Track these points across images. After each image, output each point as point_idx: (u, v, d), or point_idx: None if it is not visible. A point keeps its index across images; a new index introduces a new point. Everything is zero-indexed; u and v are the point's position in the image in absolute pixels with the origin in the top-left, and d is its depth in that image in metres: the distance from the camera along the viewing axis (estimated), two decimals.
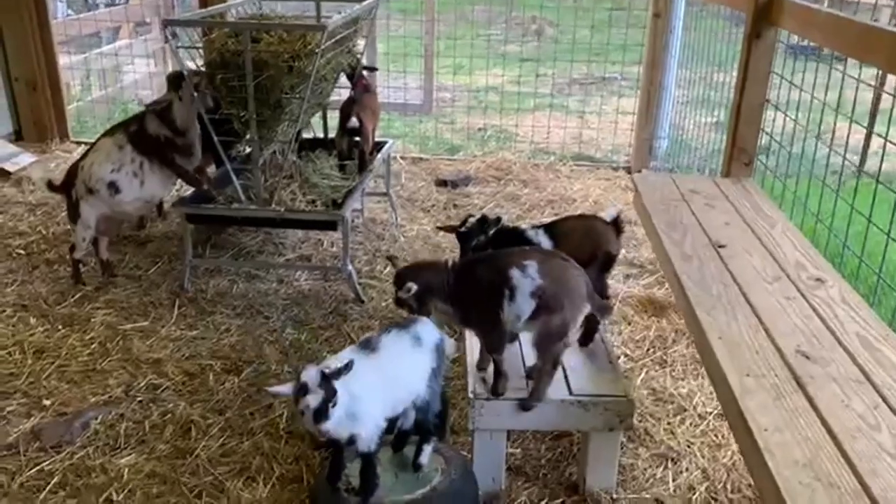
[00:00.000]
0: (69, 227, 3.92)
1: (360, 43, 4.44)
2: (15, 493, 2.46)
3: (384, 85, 7.17)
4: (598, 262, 2.64)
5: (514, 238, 2.70)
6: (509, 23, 9.12)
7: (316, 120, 4.74)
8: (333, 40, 3.65)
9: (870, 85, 3.30)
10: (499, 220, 2.78)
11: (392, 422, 2.16)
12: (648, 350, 3.36)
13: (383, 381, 2.05)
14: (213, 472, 2.56)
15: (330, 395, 1.89)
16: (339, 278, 3.89)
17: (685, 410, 2.95)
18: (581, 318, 2.33)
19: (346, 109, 4.06)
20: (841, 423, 1.78)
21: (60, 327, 3.40)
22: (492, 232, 2.75)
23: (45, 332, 3.36)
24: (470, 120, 6.73)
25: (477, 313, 2.32)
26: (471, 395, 2.36)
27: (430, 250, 4.33)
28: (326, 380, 1.90)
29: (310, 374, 1.90)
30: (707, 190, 3.41)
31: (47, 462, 2.59)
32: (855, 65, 3.14)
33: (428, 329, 2.23)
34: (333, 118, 4.52)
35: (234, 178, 3.63)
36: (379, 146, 4.37)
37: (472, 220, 2.80)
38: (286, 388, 1.94)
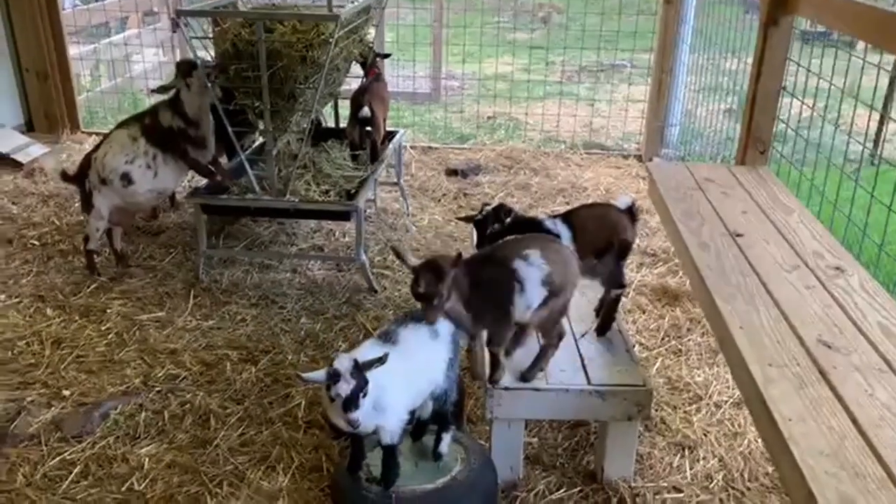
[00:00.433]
0: (83, 217, 3.94)
1: (371, 32, 4.42)
2: (38, 482, 2.48)
3: (393, 74, 7.15)
4: (615, 249, 2.64)
5: (531, 228, 2.69)
6: (517, 10, 9.07)
7: (327, 109, 4.74)
8: (346, 29, 3.63)
9: (886, 70, 3.27)
10: (511, 210, 2.78)
11: (413, 413, 2.17)
12: (663, 339, 3.37)
13: (406, 374, 2.05)
14: (232, 462, 2.58)
15: (362, 385, 1.90)
16: (352, 268, 3.89)
17: (701, 399, 2.96)
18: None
19: (358, 99, 4.04)
20: (865, 412, 1.77)
21: (77, 318, 3.42)
22: (508, 220, 2.75)
23: (62, 322, 3.38)
24: (479, 108, 6.71)
25: (488, 309, 2.32)
26: (489, 386, 2.37)
27: (442, 240, 4.33)
28: (359, 369, 1.90)
29: (343, 363, 1.91)
30: (722, 178, 3.39)
31: (69, 452, 2.61)
32: (868, 50, 3.11)
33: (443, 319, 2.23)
34: (344, 107, 4.51)
35: (248, 168, 3.63)
36: (390, 136, 4.36)
37: (487, 208, 2.79)
38: (320, 375, 1.94)
